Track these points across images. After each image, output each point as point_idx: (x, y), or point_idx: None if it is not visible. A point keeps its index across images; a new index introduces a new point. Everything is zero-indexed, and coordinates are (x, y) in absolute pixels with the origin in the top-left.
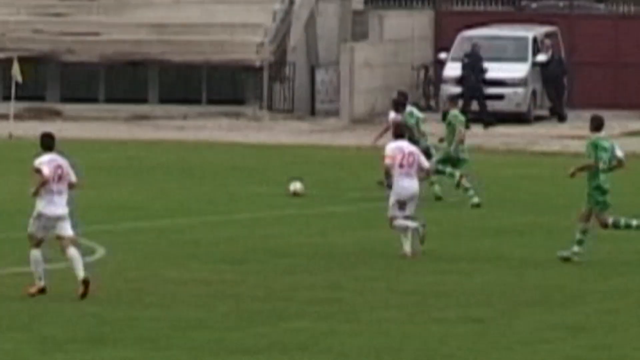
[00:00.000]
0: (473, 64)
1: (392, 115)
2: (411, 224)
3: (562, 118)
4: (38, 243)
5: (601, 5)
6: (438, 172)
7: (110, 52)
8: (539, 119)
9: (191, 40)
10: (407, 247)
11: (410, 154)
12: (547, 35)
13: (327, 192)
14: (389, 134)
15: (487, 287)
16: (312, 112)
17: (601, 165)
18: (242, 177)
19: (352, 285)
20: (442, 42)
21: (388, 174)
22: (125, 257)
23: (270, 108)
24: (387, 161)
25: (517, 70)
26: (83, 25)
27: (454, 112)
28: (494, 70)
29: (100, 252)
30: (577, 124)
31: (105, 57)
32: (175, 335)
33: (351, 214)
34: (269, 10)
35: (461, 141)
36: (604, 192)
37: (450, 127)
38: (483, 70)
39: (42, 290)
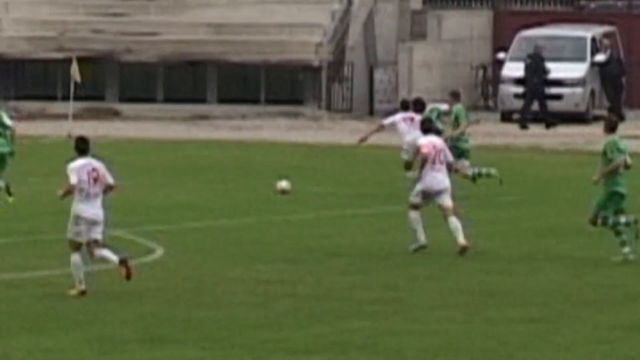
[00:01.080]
0: (536, 64)
1: (397, 117)
2: (461, 239)
3: (620, 118)
4: (78, 247)
5: None
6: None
7: (169, 52)
8: (597, 118)
9: (249, 40)
10: (422, 237)
11: (442, 150)
12: (606, 35)
13: (385, 192)
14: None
15: (545, 287)
16: (371, 112)
17: (620, 170)
18: (300, 177)
19: (409, 285)
20: (501, 42)
21: (424, 164)
22: (183, 257)
23: (328, 108)
24: (427, 150)
25: (576, 70)
26: (141, 25)
27: (459, 107)
28: (553, 70)
29: (159, 251)
30: (635, 124)
31: (164, 57)
32: (235, 335)
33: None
34: (327, 10)
35: (463, 132)
36: (623, 197)
37: (457, 121)
38: (545, 71)
39: (82, 293)
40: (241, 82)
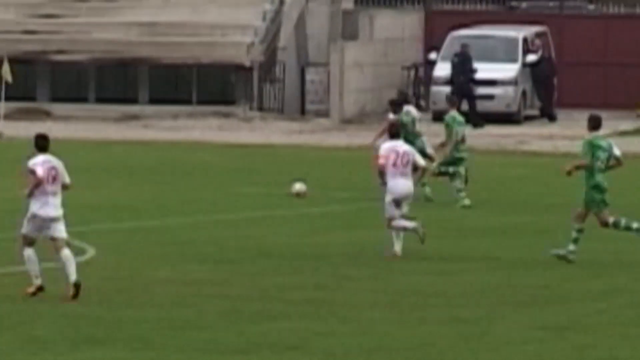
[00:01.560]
0: (462, 64)
1: (392, 115)
2: (409, 224)
3: (552, 118)
4: (31, 243)
5: (591, 6)
6: (441, 174)
7: (101, 52)
8: (529, 119)
9: (181, 40)
10: (397, 247)
11: (405, 153)
12: (537, 35)
13: (317, 192)
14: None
15: (476, 288)
16: (302, 112)
17: (598, 165)
18: (232, 178)
19: (341, 286)
20: (433, 41)
21: (382, 174)
22: (115, 258)
23: (260, 108)
24: (381, 161)
25: (507, 70)
26: (73, 25)
27: (452, 114)
28: (485, 70)
29: (91, 252)
30: (567, 124)
31: (96, 58)
32: (166, 336)
33: (340, 214)
34: (259, 11)
35: (462, 141)
36: (602, 190)
37: (449, 128)
38: (472, 70)
39: (40, 289)
40: (173, 83)
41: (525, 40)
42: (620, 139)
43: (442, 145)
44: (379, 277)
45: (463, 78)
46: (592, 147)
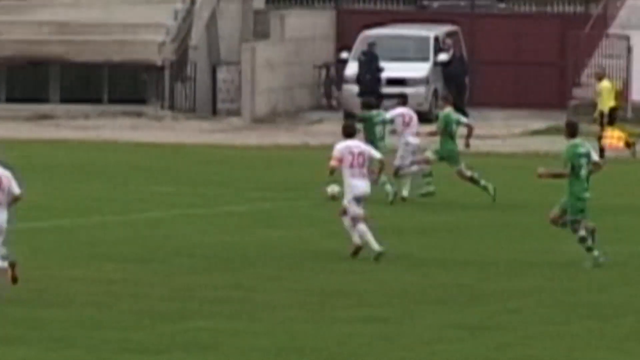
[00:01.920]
0: (369, 62)
1: (398, 110)
2: (375, 246)
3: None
4: None
5: (502, 5)
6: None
7: (11, 51)
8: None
9: (92, 39)
10: (356, 239)
11: (360, 154)
12: (449, 34)
13: (229, 192)
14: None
15: (390, 287)
16: (214, 111)
17: (583, 173)
18: (144, 177)
19: (253, 285)
20: (345, 41)
21: (332, 173)
22: (28, 257)
23: (171, 107)
24: (333, 163)
25: (419, 69)
26: None
27: (447, 111)
28: (396, 69)
29: (2, 251)
30: (478, 123)
31: (6, 57)
32: (78, 335)
33: (250, 213)
34: (170, 10)
35: (471, 130)
36: (583, 200)
37: (450, 126)
38: (379, 69)
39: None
40: (84, 82)
41: (436, 39)
42: (531, 138)
43: (432, 134)
44: (292, 277)
45: (370, 77)
46: (573, 156)
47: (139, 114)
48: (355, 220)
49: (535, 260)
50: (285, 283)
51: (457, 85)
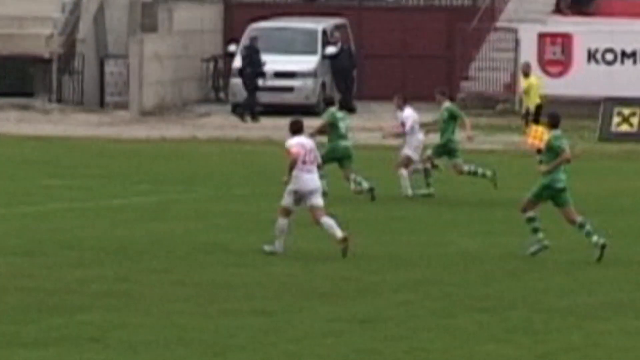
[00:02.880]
0: (250, 56)
1: (406, 112)
2: (339, 233)
3: (351, 110)
4: None
5: None
6: (433, 166)
7: None
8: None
9: None
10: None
11: (311, 150)
12: (337, 27)
13: (117, 185)
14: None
15: (276, 280)
16: (102, 104)
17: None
18: (31, 170)
19: (141, 278)
20: (233, 34)
21: (291, 168)
22: None
23: (59, 100)
24: (294, 150)
25: (306, 62)
26: None
27: (447, 105)
28: (284, 62)
29: None
30: (366, 116)
31: None
32: None
33: (138, 206)
34: (57, 2)
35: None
36: (560, 190)
37: (452, 119)
38: (260, 63)
39: None
40: None
41: (324, 32)
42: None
43: (428, 130)
44: (180, 270)
45: (250, 70)
46: (558, 146)
47: (27, 107)
48: (284, 209)
49: (425, 252)
50: (174, 276)
51: (345, 78)
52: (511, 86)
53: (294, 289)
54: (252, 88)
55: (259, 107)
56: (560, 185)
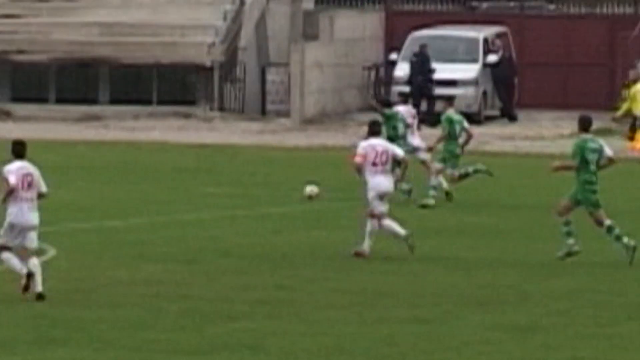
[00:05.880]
0: (421, 64)
1: (404, 108)
2: (401, 231)
3: (512, 118)
4: (8, 249)
5: (551, 6)
6: (461, 176)
7: (61, 52)
8: (489, 119)
9: (142, 40)
10: (366, 246)
11: (384, 152)
12: (498, 35)
13: (276, 193)
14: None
15: (434, 288)
16: (263, 112)
17: (592, 167)
18: (192, 178)
19: (300, 286)
20: (393, 42)
21: (359, 172)
22: (75, 258)
23: (220, 108)
24: (358, 159)
25: (468, 70)
26: (34, 25)
27: (450, 113)
28: (445, 70)
29: (51, 252)
30: (527, 124)
31: (56, 58)
32: (126, 336)
33: (298, 214)
34: (219, 11)
35: (470, 138)
36: (593, 189)
37: (453, 126)
38: (431, 70)
39: (29, 275)
40: (133, 83)
41: (485, 40)
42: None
43: (440, 140)
44: (339, 278)
45: (421, 78)
46: (582, 150)
47: (188, 115)
48: (373, 215)
49: (581, 260)
50: (330, 284)
51: (506, 86)
52: None
53: (453, 297)
54: (427, 96)
55: (434, 115)
56: (595, 182)
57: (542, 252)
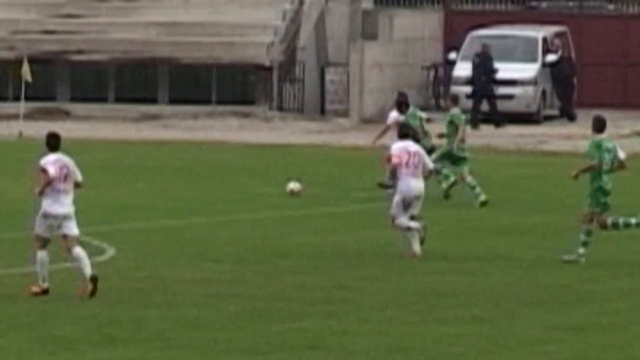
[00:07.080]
0: (483, 64)
1: (394, 115)
2: (413, 224)
3: (571, 118)
4: (44, 244)
5: (610, 5)
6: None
7: (120, 52)
8: (548, 118)
9: (201, 40)
10: (415, 247)
11: (416, 154)
12: (557, 35)
13: (335, 192)
14: (390, 134)
15: (492, 287)
16: (322, 112)
17: (604, 167)
18: (250, 177)
19: (357, 285)
20: (452, 41)
21: (394, 174)
22: (133, 257)
23: (280, 108)
24: (395, 160)
25: (527, 70)
26: (93, 25)
27: (456, 111)
28: (504, 70)
29: (110, 252)
30: (586, 124)
31: (115, 58)
32: (184, 335)
33: (356, 213)
34: (279, 10)
35: (462, 140)
36: (606, 193)
37: (453, 125)
38: (493, 71)
39: (45, 292)
40: (192, 83)
41: (544, 40)
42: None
43: (441, 135)
44: (395, 277)
45: (485, 78)
46: (599, 149)
47: (247, 115)
48: (394, 218)
49: (638, 260)
50: (392, 283)
51: (565, 86)
52: None
53: (511, 296)
54: (490, 96)
55: (498, 115)
56: (607, 187)
57: (598, 252)
